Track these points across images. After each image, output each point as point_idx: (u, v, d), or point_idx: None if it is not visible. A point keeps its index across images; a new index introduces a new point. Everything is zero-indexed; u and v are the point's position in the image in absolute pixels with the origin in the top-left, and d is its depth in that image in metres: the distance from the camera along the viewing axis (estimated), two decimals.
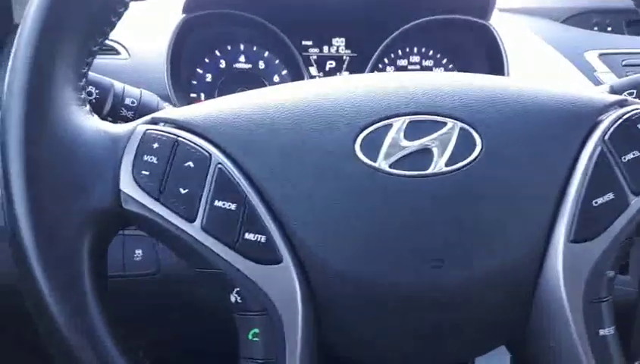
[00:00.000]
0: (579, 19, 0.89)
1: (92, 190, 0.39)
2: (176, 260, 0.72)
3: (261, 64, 0.86)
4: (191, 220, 0.39)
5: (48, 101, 0.38)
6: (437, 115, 0.40)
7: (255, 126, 0.40)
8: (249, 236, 0.39)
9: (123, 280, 0.70)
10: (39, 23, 0.38)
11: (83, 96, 0.41)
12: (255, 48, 0.85)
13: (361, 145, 0.40)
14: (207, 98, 0.84)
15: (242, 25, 0.82)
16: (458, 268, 0.39)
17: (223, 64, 0.85)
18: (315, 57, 0.88)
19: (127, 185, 0.39)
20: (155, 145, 0.40)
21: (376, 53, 0.83)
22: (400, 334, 0.41)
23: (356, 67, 0.88)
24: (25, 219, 0.38)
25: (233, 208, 0.39)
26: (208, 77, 0.85)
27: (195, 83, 0.84)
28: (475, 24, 0.80)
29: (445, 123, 0.40)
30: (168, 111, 0.43)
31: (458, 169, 0.39)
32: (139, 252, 0.70)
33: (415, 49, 0.88)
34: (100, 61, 0.77)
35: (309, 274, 0.39)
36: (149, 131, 0.41)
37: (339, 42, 0.88)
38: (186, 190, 0.39)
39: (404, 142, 0.40)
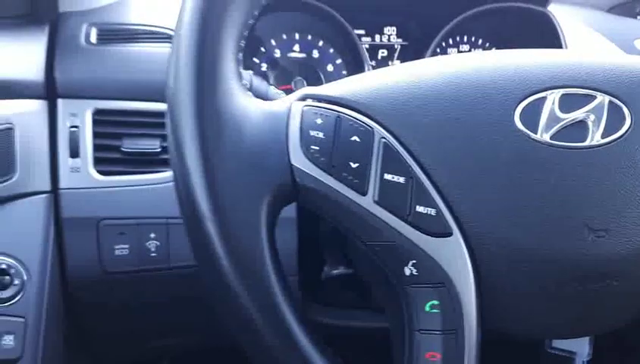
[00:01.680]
0: (623, 8, 0.91)
1: (265, 165, 0.39)
2: None
3: (315, 53, 0.86)
4: (363, 193, 0.39)
5: (217, 75, 0.38)
6: (588, 88, 0.41)
7: (412, 100, 0.40)
8: (419, 209, 0.39)
9: (195, 269, 0.69)
10: None
11: (240, 70, 0.41)
12: (310, 37, 0.85)
13: (520, 117, 0.40)
14: None
15: (302, 11, 0.81)
16: (620, 239, 0.39)
17: (278, 53, 0.85)
18: (366, 45, 0.88)
19: (299, 160, 0.39)
20: (319, 121, 0.40)
21: (435, 40, 0.83)
22: (554, 304, 0.41)
23: (408, 55, 0.89)
24: (202, 194, 0.37)
25: (402, 182, 0.39)
26: (264, 66, 0.84)
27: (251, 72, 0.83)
28: (534, 12, 0.81)
29: (595, 97, 0.41)
30: (319, 89, 0.43)
31: (613, 141, 0.40)
32: None
33: (465, 38, 0.89)
34: (162, 49, 0.76)
35: (474, 247, 0.39)
36: (307, 107, 0.41)
37: (390, 31, 0.89)
38: (357, 164, 0.39)
39: (561, 115, 0.40)
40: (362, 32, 0.88)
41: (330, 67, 0.86)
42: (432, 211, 0.39)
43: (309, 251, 0.69)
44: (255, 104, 0.41)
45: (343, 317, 0.73)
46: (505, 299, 0.40)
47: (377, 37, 0.88)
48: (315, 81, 0.86)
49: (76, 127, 0.68)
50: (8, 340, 0.54)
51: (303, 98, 0.42)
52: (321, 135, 0.40)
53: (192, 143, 0.37)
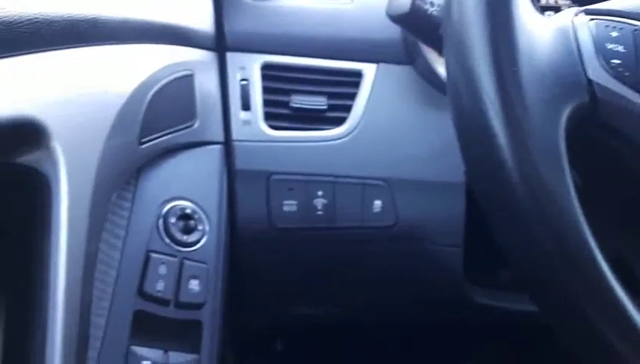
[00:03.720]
0: None
1: (560, 81, 0.36)
2: (415, 212, 0.69)
3: None
4: None
5: None
6: None
7: None
8: None
9: (359, 231, 0.67)
10: None
11: None
12: None
13: None
14: None
15: None
16: None
17: None
18: None
19: (598, 75, 0.37)
20: (614, 34, 0.37)
21: None
22: None
23: None
24: (496, 115, 0.34)
25: None
26: None
27: None
28: None
29: None
30: (599, 5, 0.40)
31: None
32: (378, 203, 0.66)
33: None
34: (322, 5, 0.74)
35: None
36: (595, 21, 0.38)
37: None
38: None
39: None
40: None
41: None
42: None
43: (476, 221, 0.65)
44: (537, 17, 0.38)
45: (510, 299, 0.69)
46: None
47: None
48: None
49: (246, 80, 0.67)
50: (194, 284, 0.53)
51: (576, 15, 0.40)
52: (620, 48, 0.37)
53: (485, 55, 0.35)
